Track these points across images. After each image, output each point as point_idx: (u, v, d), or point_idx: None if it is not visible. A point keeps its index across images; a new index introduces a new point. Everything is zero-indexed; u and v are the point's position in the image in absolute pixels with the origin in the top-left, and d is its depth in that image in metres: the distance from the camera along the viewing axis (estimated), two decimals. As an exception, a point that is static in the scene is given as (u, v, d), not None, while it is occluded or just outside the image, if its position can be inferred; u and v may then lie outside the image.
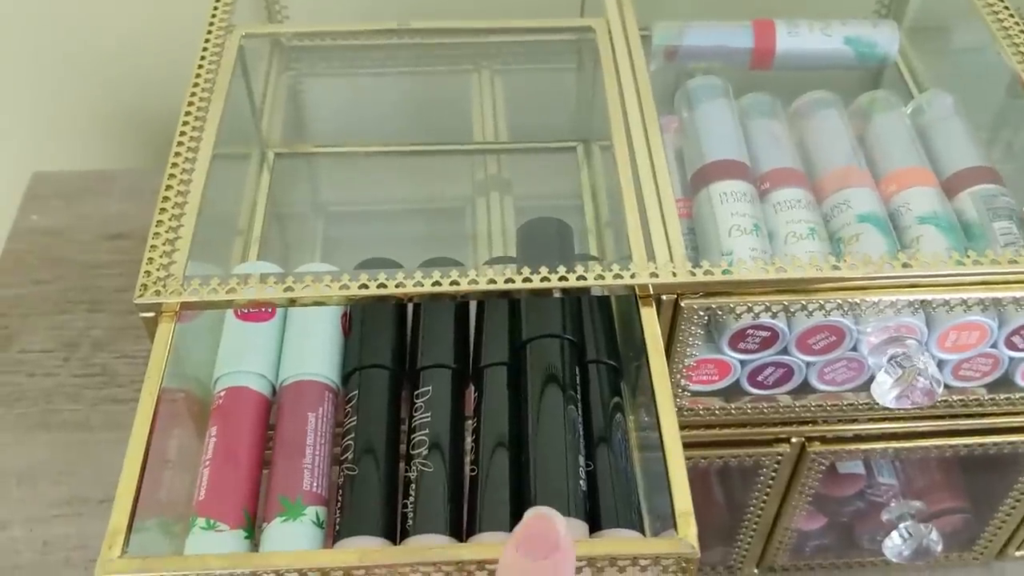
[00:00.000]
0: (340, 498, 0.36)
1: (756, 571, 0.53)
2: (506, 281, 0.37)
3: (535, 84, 0.58)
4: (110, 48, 0.70)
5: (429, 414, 0.38)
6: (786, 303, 0.38)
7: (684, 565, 0.32)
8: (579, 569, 0.31)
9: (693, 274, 0.38)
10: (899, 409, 0.41)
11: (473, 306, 0.42)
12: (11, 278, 0.65)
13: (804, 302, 0.38)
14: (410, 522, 0.35)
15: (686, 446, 0.44)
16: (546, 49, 0.57)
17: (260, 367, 0.39)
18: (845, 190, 0.44)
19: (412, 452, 0.37)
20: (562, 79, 0.56)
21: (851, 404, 0.43)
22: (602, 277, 0.37)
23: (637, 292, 0.38)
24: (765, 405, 0.43)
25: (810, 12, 0.59)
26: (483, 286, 0.37)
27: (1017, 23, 0.49)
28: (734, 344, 0.41)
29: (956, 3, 0.53)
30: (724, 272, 0.38)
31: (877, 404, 0.41)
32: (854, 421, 0.44)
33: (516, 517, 0.34)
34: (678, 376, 0.41)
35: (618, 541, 0.34)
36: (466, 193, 0.58)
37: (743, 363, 0.42)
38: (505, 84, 0.58)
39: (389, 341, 0.40)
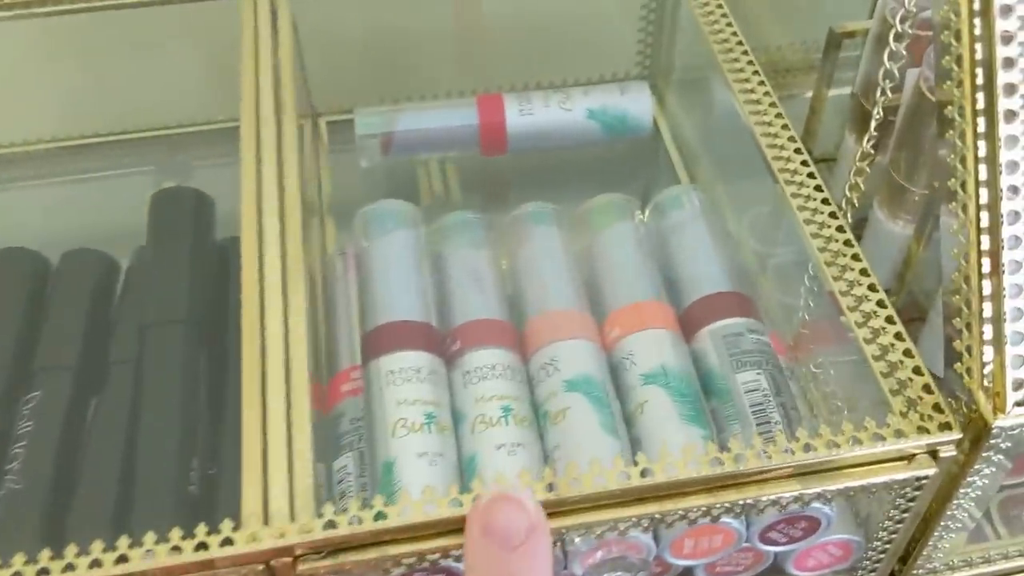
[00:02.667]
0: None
1: None
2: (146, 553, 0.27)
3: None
4: None
5: (31, 423, 0.34)
6: (442, 550, 0.28)
7: None
8: None
9: (309, 531, 0.27)
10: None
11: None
12: None
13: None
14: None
15: None
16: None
17: None
18: (554, 344, 0.34)
19: (7, 467, 0.34)
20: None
21: (584, 628, 0.33)
22: (205, 546, 0.27)
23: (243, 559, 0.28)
24: (474, 642, 0.33)
25: (566, 71, 0.50)
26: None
27: (759, 77, 0.39)
28: (406, 590, 0.30)
29: (706, 55, 0.43)
30: (350, 524, 0.27)
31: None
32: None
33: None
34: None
35: None
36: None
37: (432, 602, 0.32)
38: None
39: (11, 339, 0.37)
